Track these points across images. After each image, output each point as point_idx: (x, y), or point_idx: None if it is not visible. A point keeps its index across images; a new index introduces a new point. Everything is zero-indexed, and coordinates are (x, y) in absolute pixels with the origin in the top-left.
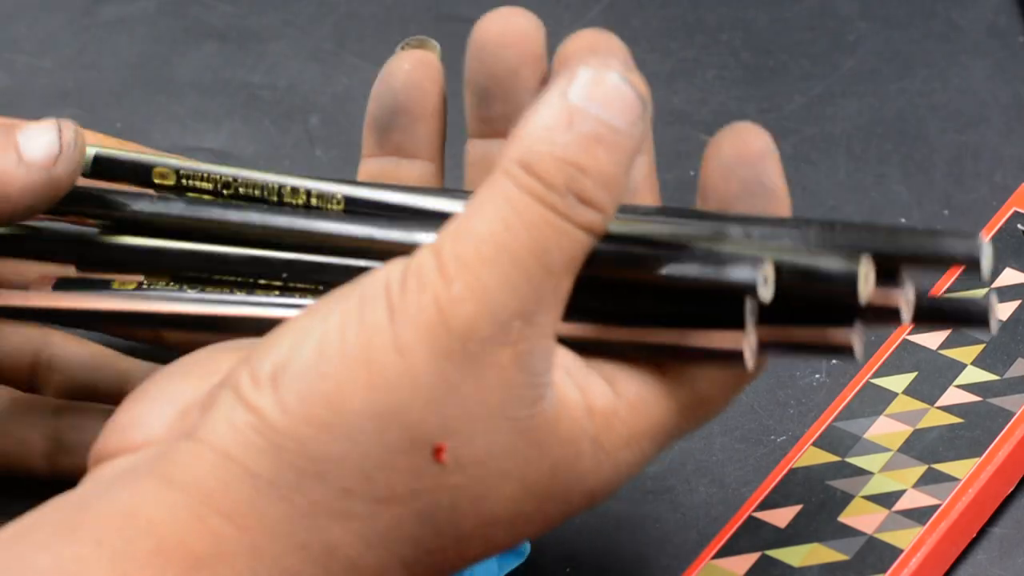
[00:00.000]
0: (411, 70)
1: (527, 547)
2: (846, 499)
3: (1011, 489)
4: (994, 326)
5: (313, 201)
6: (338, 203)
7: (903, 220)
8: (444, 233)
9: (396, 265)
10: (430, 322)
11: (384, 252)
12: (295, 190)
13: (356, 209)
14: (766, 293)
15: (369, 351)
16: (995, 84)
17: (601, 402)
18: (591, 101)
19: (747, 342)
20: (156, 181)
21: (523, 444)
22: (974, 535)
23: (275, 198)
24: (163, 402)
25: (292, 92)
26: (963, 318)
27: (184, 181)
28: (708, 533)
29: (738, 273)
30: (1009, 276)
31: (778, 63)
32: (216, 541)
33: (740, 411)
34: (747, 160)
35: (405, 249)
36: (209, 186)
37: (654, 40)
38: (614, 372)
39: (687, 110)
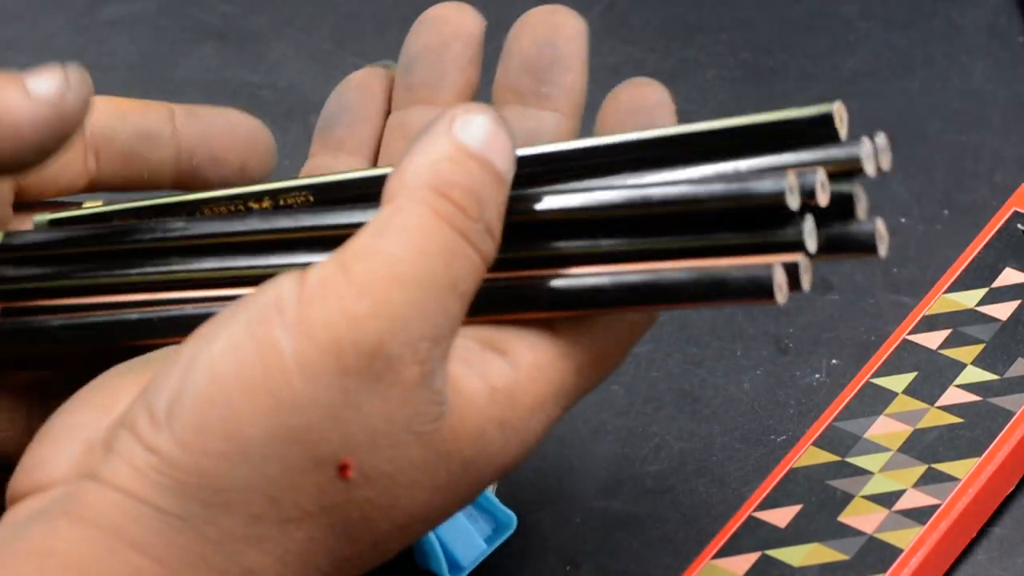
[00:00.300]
0: (365, 77)
1: (513, 520)
2: (846, 499)
3: (1011, 489)
4: (882, 251)
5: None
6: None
7: (903, 220)
8: (350, 250)
9: (287, 279)
10: (335, 338)
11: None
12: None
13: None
14: (794, 202)
15: (266, 372)
16: (995, 84)
17: (502, 379)
18: (477, 140)
19: (778, 262)
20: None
21: (431, 454)
22: (974, 535)
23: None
24: (67, 439)
25: (292, 92)
26: (850, 245)
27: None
28: (708, 533)
29: (764, 185)
30: (1009, 276)
31: (778, 63)
32: (134, 572)
33: (740, 411)
34: (643, 108)
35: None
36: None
37: (654, 40)
38: (508, 343)
39: (687, 110)
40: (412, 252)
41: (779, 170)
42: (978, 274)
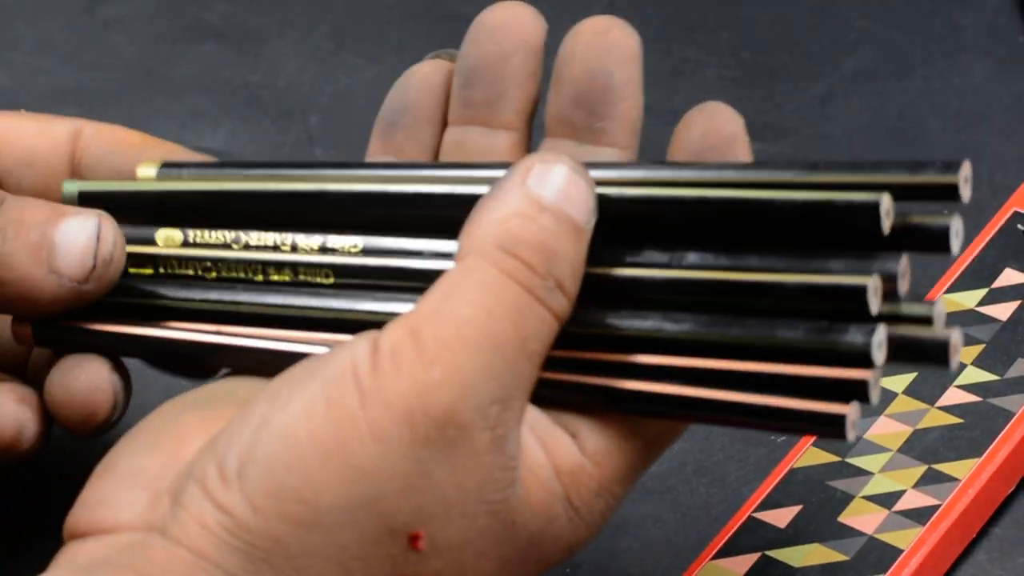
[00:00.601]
0: (429, 74)
1: None
2: (846, 499)
3: (1011, 489)
4: (954, 363)
5: (301, 276)
6: (326, 276)
7: None
8: (419, 314)
9: (361, 345)
10: (408, 407)
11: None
12: (280, 266)
13: (346, 282)
14: (880, 357)
15: (341, 439)
16: (995, 84)
17: (567, 461)
18: (552, 191)
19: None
20: (132, 272)
21: (499, 525)
22: (974, 535)
23: (260, 277)
24: (132, 482)
25: (291, 91)
26: (921, 356)
27: (162, 269)
28: (708, 533)
29: (847, 282)
30: (1009, 276)
31: (778, 63)
32: None
33: None
34: (716, 145)
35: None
36: (189, 272)
37: (654, 39)
38: (576, 422)
39: (687, 110)
40: (479, 314)
41: (862, 261)
42: (978, 274)
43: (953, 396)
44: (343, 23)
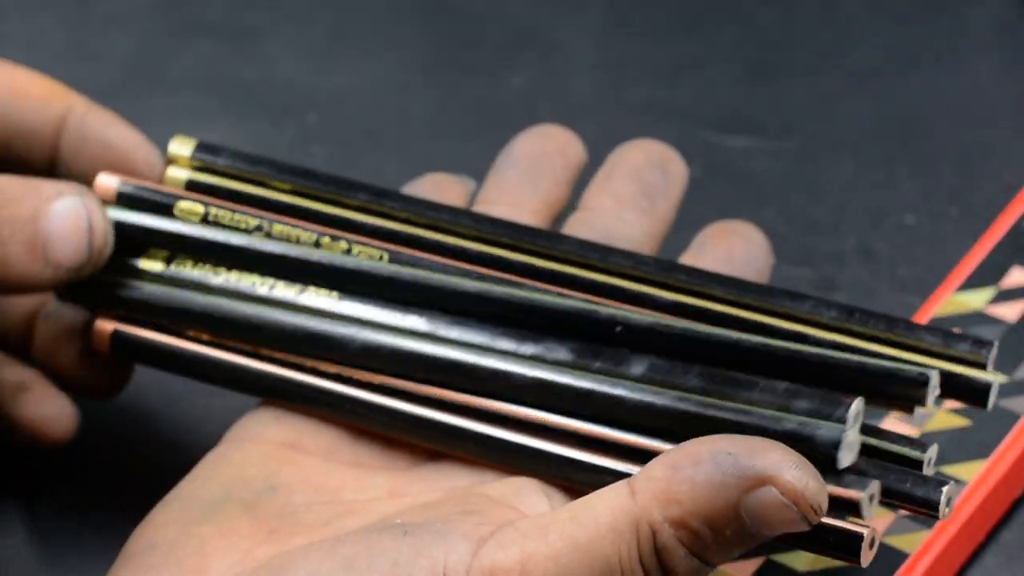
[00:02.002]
0: (545, 138)
1: None
2: None
3: (1020, 492)
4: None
5: (354, 250)
6: (381, 257)
7: (910, 218)
8: (538, 559)
9: (455, 551)
10: None
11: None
12: (335, 237)
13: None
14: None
15: None
16: (1003, 81)
17: None
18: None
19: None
20: (177, 215)
21: None
22: (982, 539)
23: (314, 243)
24: None
25: (288, 88)
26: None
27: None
28: None
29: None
30: (1017, 276)
31: (783, 60)
32: None
33: None
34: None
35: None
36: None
37: (657, 36)
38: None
39: (691, 107)
40: None
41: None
42: (986, 274)
43: None
44: (340, 19)
